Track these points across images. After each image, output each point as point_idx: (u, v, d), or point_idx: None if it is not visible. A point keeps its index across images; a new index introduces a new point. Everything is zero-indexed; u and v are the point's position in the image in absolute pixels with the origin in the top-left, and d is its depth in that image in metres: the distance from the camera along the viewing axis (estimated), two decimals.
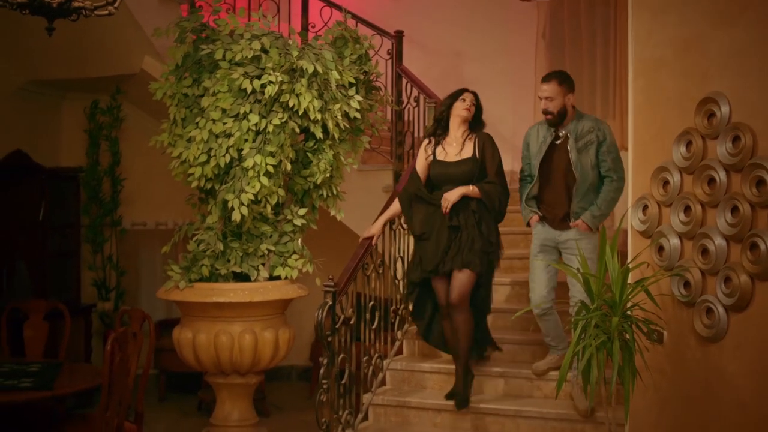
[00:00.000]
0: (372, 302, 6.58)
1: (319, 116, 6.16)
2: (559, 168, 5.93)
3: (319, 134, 6.26)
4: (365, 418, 6.45)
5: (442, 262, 6.05)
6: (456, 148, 6.25)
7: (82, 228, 8.85)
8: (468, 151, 6.19)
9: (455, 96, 6.34)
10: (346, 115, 6.40)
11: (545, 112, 5.85)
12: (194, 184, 6.24)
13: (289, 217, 6.40)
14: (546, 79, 5.90)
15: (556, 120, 5.86)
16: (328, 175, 6.40)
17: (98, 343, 8.89)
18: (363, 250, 6.43)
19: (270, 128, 6.05)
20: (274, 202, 6.24)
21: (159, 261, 9.46)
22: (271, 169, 6.05)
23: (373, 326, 6.61)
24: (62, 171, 8.55)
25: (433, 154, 6.31)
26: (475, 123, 6.31)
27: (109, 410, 4.90)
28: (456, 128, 6.28)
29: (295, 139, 6.37)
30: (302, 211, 6.40)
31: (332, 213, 6.68)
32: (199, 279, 6.26)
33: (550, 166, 5.95)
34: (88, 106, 9.01)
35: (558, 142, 5.90)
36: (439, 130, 6.36)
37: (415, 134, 7.66)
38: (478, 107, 6.31)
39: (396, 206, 6.55)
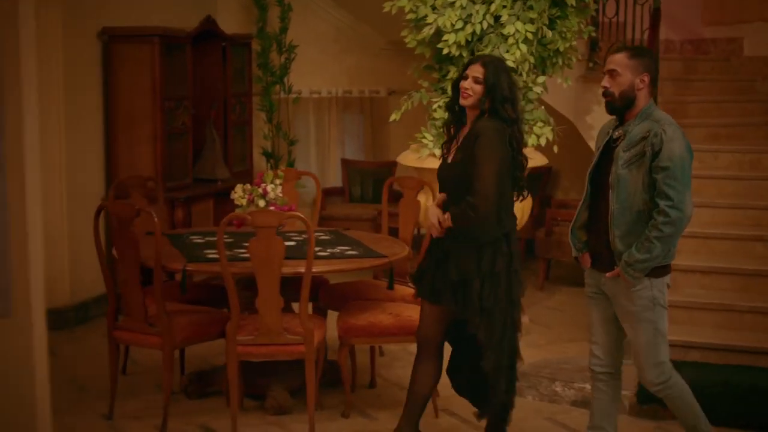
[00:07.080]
0: None
1: None
2: (607, 184, 4.18)
3: (572, 1, 6.21)
4: None
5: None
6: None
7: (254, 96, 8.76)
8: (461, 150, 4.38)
9: (462, 70, 4.40)
10: None
11: (604, 93, 4.15)
12: (445, 50, 6.20)
13: (530, 84, 6.40)
14: (616, 49, 4.29)
15: (618, 106, 4.13)
16: (574, 42, 6.38)
17: None
18: None
19: None
20: (526, 69, 6.23)
21: (313, 130, 9.45)
22: (530, 36, 6.02)
23: None
24: (237, 38, 8.33)
25: (447, 151, 4.47)
26: (491, 109, 4.22)
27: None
28: (468, 115, 4.37)
29: None
30: (541, 79, 6.41)
31: (558, 81, 6.67)
32: None
33: (603, 179, 4.20)
34: None
35: (614, 145, 4.17)
36: (454, 117, 4.45)
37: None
38: (492, 85, 4.18)
39: None
